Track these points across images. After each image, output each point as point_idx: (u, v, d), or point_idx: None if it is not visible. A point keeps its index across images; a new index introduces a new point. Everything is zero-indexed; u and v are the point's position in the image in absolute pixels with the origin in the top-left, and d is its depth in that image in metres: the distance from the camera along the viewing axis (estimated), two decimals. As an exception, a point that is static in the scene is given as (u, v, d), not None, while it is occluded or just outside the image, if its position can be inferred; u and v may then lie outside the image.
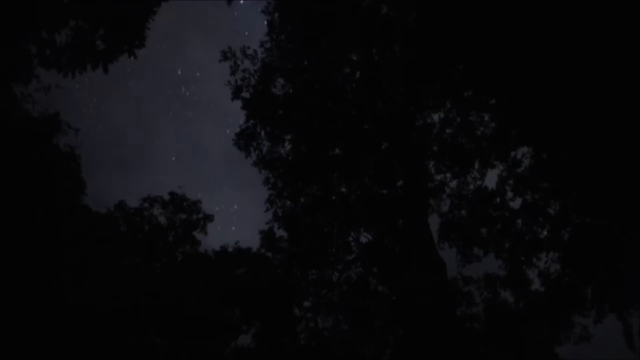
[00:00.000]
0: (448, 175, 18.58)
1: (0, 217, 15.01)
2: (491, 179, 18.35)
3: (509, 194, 17.98)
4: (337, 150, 18.53)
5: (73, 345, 16.76)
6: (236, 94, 18.54)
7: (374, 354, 20.67)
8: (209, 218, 25.24)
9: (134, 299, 20.01)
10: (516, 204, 17.96)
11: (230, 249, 23.90)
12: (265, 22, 18.84)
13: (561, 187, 15.72)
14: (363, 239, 19.53)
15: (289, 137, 18.91)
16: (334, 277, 20.08)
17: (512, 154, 17.23)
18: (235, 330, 21.96)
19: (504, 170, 17.83)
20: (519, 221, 17.92)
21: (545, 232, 17.59)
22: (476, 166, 17.96)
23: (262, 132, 18.96)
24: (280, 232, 20.18)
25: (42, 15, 8.24)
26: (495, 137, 16.89)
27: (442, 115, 18.32)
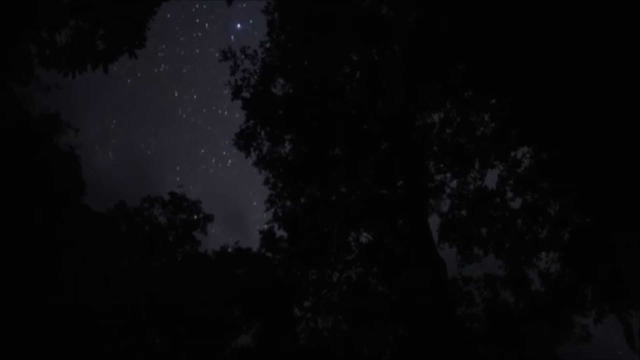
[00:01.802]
0: (448, 175, 18.58)
1: (1, 217, 15.01)
2: (491, 179, 18.35)
3: (509, 194, 17.97)
4: (337, 150, 18.51)
5: (73, 345, 16.75)
6: (236, 94, 18.52)
7: (374, 354, 20.68)
8: (209, 218, 25.26)
9: (134, 299, 20.01)
10: (516, 204, 17.96)
11: (230, 249, 23.94)
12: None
13: (561, 187, 15.71)
14: (363, 239, 19.55)
15: (289, 137, 18.89)
16: (334, 277, 20.09)
17: (512, 154, 17.21)
18: (235, 330, 21.97)
19: (504, 170, 17.80)
20: (519, 221, 17.90)
21: (545, 232, 17.57)
22: (476, 166, 17.93)
23: (262, 132, 18.95)
24: (280, 232, 20.23)
25: (42, 15, 8.23)
26: (495, 137, 16.87)
27: (442, 115, 18.31)
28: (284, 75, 18.61)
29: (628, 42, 9.47)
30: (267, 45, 18.67)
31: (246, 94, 18.57)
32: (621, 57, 9.65)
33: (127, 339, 20.29)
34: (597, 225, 15.24)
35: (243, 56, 18.38)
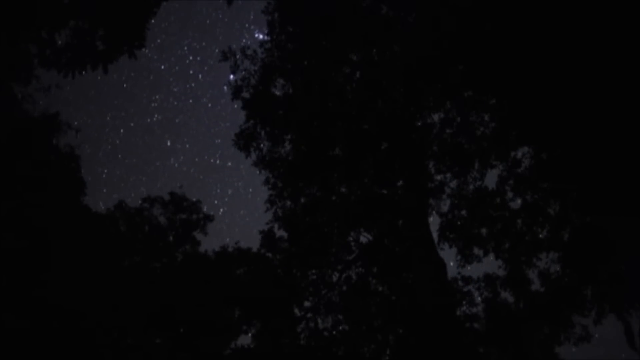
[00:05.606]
0: (448, 175, 18.53)
1: (0, 217, 15.01)
2: (491, 179, 18.34)
3: (509, 194, 17.95)
4: (337, 150, 18.51)
5: (73, 345, 16.75)
6: (236, 94, 18.54)
7: (374, 354, 20.66)
8: (208, 218, 25.26)
9: (134, 299, 20.01)
10: (516, 204, 17.94)
11: (230, 249, 23.92)
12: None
13: (561, 187, 15.71)
14: (363, 239, 19.53)
15: (289, 137, 18.89)
16: (334, 277, 20.07)
17: (512, 154, 17.20)
18: (235, 330, 21.95)
19: (504, 170, 17.78)
20: (519, 221, 17.89)
21: (545, 232, 17.57)
22: (476, 166, 17.91)
23: (262, 132, 18.95)
24: (280, 232, 20.21)
25: (42, 15, 8.23)
26: (495, 137, 16.86)
27: (442, 115, 18.28)
28: (284, 75, 18.61)
29: (627, 42, 9.48)
30: (267, 45, 18.69)
31: (246, 94, 18.60)
32: (620, 57, 9.65)
33: (127, 339, 20.29)
34: (597, 225, 15.25)
35: (243, 56, 18.41)
